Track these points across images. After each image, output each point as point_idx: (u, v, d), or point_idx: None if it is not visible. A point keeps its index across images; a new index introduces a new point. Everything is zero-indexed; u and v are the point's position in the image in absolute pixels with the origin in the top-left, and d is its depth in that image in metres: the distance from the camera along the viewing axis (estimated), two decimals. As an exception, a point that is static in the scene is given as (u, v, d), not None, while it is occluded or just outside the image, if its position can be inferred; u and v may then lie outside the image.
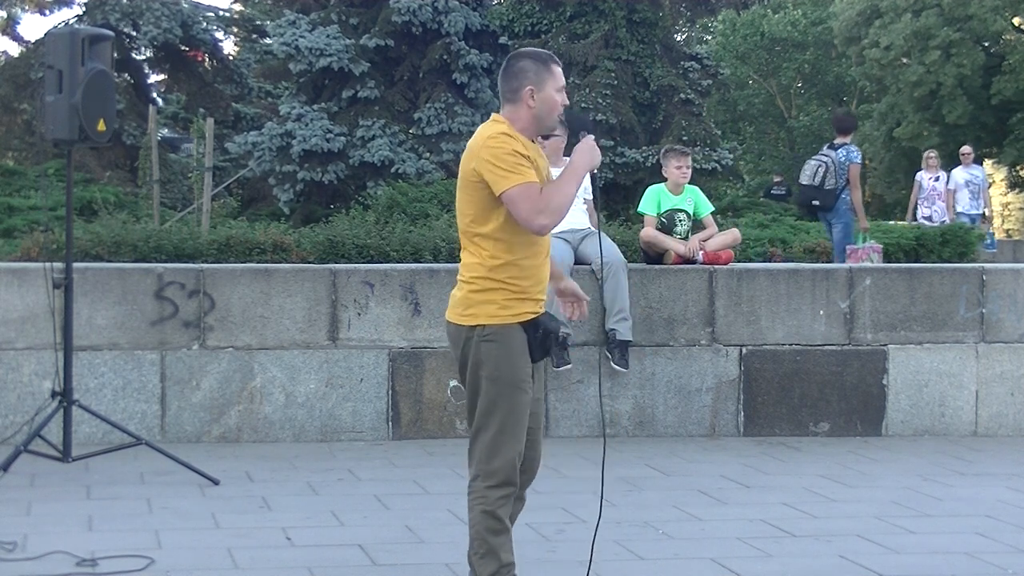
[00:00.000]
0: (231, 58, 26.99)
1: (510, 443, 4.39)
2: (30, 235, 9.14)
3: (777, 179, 29.66)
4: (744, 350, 8.52)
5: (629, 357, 8.24)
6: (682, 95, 20.98)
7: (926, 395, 8.69)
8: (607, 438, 4.96)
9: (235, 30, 28.49)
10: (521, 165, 4.32)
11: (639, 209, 8.93)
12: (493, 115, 4.54)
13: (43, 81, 6.97)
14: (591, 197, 8.40)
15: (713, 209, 9.20)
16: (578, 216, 8.18)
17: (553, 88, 4.45)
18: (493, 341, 4.36)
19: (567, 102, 4.54)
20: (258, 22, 27.65)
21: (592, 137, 4.53)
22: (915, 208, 17.11)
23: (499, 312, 4.37)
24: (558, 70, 4.48)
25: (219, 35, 25.95)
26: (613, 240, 8.62)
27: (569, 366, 8.12)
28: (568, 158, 4.69)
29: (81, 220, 10.57)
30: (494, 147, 4.34)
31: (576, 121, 4.71)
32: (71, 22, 22.55)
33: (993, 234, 19.67)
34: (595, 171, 4.54)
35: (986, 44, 34.09)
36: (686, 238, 8.70)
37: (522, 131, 4.44)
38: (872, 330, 8.62)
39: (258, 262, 8.56)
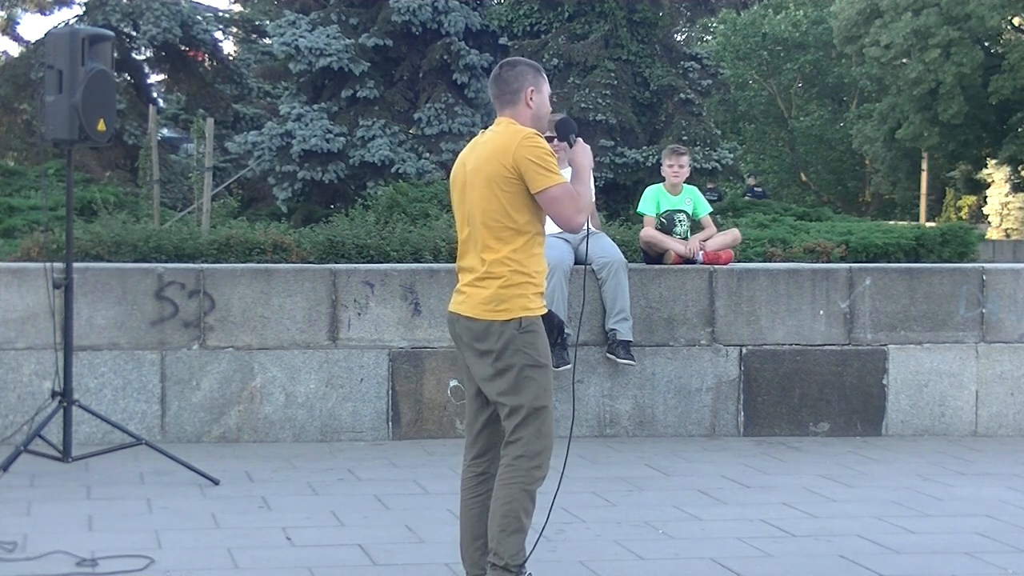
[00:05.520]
0: (231, 58, 27.01)
1: (552, 424, 4.62)
2: (30, 235, 9.11)
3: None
4: (744, 350, 8.51)
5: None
6: (682, 95, 21.00)
7: (926, 395, 8.69)
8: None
9: (235, 30, 28.51)
10: (556, 165, 4.54)
11: (638, 210, 8.92)
12: (501, 119, 4.61)
13: (43, 81, 6.95)
14: (592, 200, 8.41)
15: (711, 210, 9.19)
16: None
17: (546, 90, 4.70)
18: (532, 331, 4.56)
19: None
20: (258, 22, 27.68)
21: (580, 138, 4.78)
22: None
23: (530, 305, 4.57)
24: (545, 76, 4.76)
25: (219, 35, 25.98)
26: (613, 240, 8.62)
27: (569, 366, 8.12)
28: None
29: (81, 220, 10.54)
30: (534, 146, 4.50)
31: (565, 125, 4.83)
32: (71, 22, 22.59)
33: None
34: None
35: (985, 43, 34.12)
36: (686, 238, 8.69)
37: None
38: (872, 330, 8.62)
39: (258, 262, 8.55)
